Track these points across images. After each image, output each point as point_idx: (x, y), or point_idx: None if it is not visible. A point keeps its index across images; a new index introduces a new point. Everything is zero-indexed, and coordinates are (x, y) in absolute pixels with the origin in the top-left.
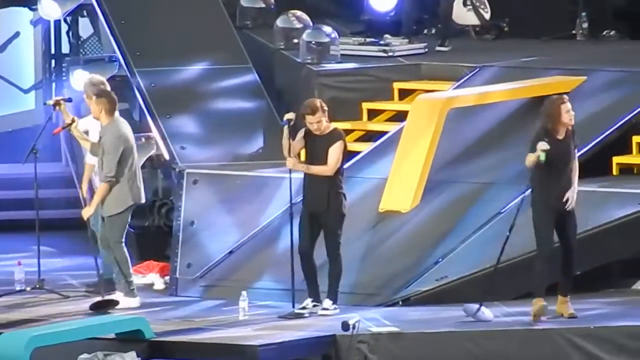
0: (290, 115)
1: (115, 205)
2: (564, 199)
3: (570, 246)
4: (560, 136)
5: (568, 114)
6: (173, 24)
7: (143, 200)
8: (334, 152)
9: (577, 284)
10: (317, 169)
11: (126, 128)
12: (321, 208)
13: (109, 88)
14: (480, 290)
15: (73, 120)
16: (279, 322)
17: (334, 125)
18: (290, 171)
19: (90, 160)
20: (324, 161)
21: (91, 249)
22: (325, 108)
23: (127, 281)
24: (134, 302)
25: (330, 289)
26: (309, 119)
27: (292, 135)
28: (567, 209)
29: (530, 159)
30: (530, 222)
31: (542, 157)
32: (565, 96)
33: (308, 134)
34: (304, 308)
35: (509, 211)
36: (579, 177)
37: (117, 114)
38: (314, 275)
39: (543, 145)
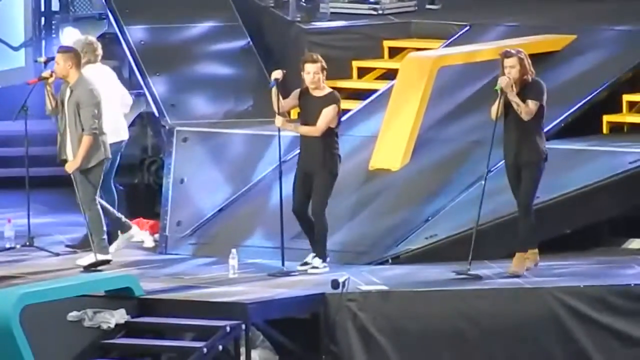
0: (277, 74)
1: (88, 159)
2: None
3: (520, 202)
4: (515, 90)
5: (506, 69)
6: None
7: (110, 155)
8: (326, 115)
9: (567, 242)
10: (305, 129)
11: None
12: (316, 168)
13: (99, 47)
14: (470, 248)
15: (51, 75)
16: (268, 280)
17: (330, 89)
18: (279, 129)
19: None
20: (316, 122)
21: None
22: (325, 66)
23: (100, 238)
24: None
25: (318, 247)
26: (308, 67)
27: (282, 92)
28: (521, 163)
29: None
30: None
31: (496, 86)
32: (513, 51)
33: (303, 94)
34: (306, 264)
35: (498, 170)
36: (568, 136)
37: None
38: (313, 231)
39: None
